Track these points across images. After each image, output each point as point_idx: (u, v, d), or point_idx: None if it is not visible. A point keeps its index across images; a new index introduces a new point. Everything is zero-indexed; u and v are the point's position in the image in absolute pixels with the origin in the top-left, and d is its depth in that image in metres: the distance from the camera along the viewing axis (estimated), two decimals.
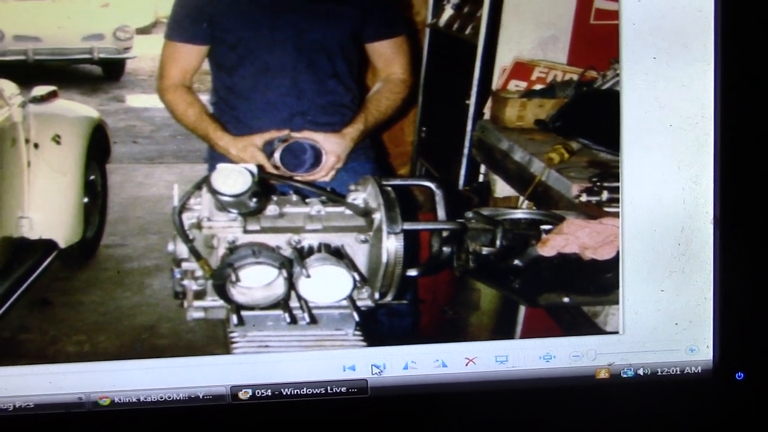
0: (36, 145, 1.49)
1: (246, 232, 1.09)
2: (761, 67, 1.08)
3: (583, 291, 1.19)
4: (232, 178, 1.02)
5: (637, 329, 1.12)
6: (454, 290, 1.48)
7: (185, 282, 1.11)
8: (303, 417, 1.12)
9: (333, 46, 1.38)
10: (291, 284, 1.05)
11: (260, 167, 1.09)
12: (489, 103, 1.66)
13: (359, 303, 1.10)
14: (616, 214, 1.11)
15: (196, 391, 1.10)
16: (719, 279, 1.11)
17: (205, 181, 1.06)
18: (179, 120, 1.40)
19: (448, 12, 1.83)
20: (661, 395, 1.14)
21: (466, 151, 1.69)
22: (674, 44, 1.06)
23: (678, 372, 1.14)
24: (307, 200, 1.16)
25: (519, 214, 1.28)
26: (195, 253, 1.08)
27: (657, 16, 1.06)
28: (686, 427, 1.16)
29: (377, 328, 1.31)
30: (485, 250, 1.19)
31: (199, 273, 1.10)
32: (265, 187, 1.11)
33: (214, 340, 1.19)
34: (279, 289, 1.05)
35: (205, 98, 1.42)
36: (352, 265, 1.07)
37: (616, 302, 1.12)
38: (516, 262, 1.20)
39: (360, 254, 1.12)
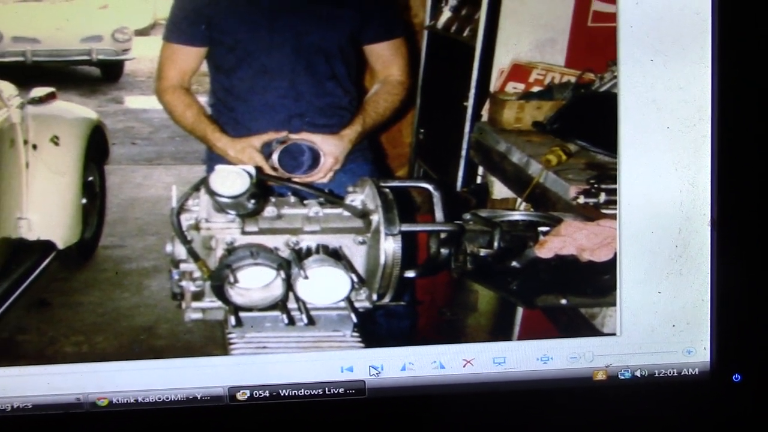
0: (34, 146, 1.49)
1: (244, 233, 1.09)
2: (758, 69, 1.08)
3: (581, 293, 1.19)
4: (231, 180, 1.02)
5: (634, 331, 1.12)
6: (452, 292, 1.48)
7: (183, 283, 1.11)
8: (301, 418, 1.12)
9: (331, 49, 1.39)
10: (289, 285, 1.05)
11: (258, 169, 1.09)
12: (487, 105, 1.66)
13: (357, 304, 1.10)
14: (613, 216, 1.12)
15: (194, 392, 1.10)
16: (716, 281, 1.11)
17: (203, 183, 1.06)
18: (177, 121, 1.40)
19: (446, 14, 1.83)
20: (659, 397, 1.14)
21: (464, 152, 1.69)
22: (672, 46, 1.07)
23: (675, 374, 1.14)
24: (305, 202, 1.16)
25: (517, 215, 1.28)
26: (193, 255, 1.08)
27: (654, 19, 1.06)
28: (683, 428, 1.17)
29: (375, 329, 1.31)
30: (483, 252, 1.19)
31: (197, 274, 1.10)
32: (263, 189, 1.10)
33: (212, 341, 1.19)
34: (277, 290, 1.05)
35: (203, 100, 1.42)
36: (350, 267, 1.07)
37: (614, 304, 1.12)
38: (513, 263, 1.21)
39: (358, 255, 1.12)
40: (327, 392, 1.11)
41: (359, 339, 1.12)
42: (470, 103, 1.68)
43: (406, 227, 1.07)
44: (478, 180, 1.69)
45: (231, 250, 1.07)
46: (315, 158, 1.35)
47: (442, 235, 1.17)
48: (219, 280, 1.04)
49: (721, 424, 1.16)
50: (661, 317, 1.12)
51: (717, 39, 1.06)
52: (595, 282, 1.17)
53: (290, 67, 1.37)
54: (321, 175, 1.37)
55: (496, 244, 1.18)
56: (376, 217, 1.08)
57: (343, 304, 1.08)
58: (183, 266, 1.10)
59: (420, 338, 1.53)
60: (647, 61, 1.07)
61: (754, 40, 1.07)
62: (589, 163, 1.39)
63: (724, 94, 1.07)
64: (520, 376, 1.13)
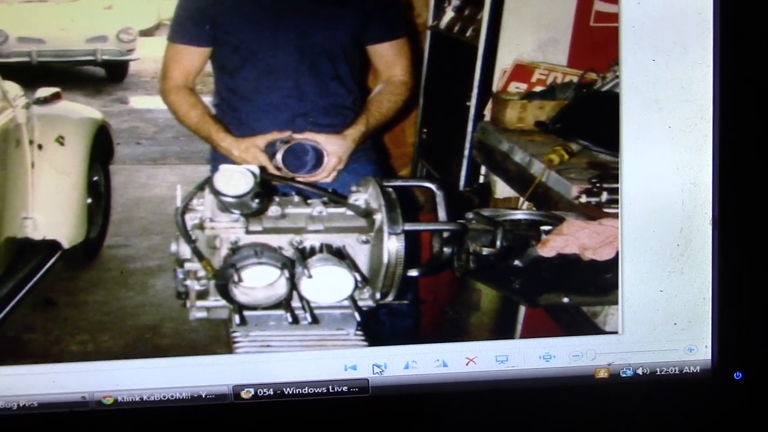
0: (40, 146, 1.50)
1: (248, 232, 1.09)
2: (760, 69, 1.08)
3: (583, 291, 1.19)
4: (235, 179, 1.02)
5: (636, 329, 1.13)
6: (455, 290, 1.49)
7: (188, 282, 1.11)
8: (304, 416, 1.12)
9: (335, 49, 1.39)
10: (293, 284, 1.05)
11: (262, 168, 1.09)
12: (489, 105, 1.66)
13: (360, 303, 1.10)
14: (615, 215, 1.12)
15: (198, 390, 1.10)
16: (718, 279, 1.11)
17: (207, 182, 1.06)
18: (182, 121, 1.40)
19: (448, 14, 1.84)
20: (660, 395, 1.14)
21: (466, 152, 1.69)
22: (673, 46, 1.07)
23: (677, 372, 1.14)
24: (309, 201, 1.16)
25: (519, 215, 1.28)
26: (198, 254, 1.08)
27: (656, 19, 1.06)
28: (685, 426, 1.17)
29: (378, 328, 1.32)
30: (486, 251, 1.19)
31: (201, 273, 1.10)
32: (267, 188, 1.10)
33: (216, 339, 1.19)
34: (281, 289, 1.05)
35: (207, 100, 1.42)
36: (353, 266, 1.07)
37: (616, 302, 1.12)
38: (516, 262, 1.21)
39: (361, 255, 1.12)
40: (330, 390, 1.11)
41: (363, 338, 1.12)
42: (473, 103, 1.68)
43: (409, 226, 1.07)
44: (481, 179, 1.69)
45: (235, 249, 1.07)
46: (318, 158, 1.36)
47: (445, 234, 1.17)
48: (223, 279, 1.04)
49: (722, 421, 1.16)
50: (662, 315, 1.12)
51: (719, 39, 1.06)
52: (597, 281, 1.17)
53: (294, 67, 1.37)
54: (324, 175, 1.37)
55: (498, 243, 1.18)
56: (380, 217, 1.08)
57: (346, 302, 1.08)
58: (187, 265, 1.11)
59: (423, 337, 1.54)
60: (649, 60, 1.07)
61: (756, 40, 1.07)
62: (591, 163, 1.39)
63: (726, 94, 1.07)
64: (523, 375, 1.13)
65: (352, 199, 1.15)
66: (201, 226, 1.10)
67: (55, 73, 1.74)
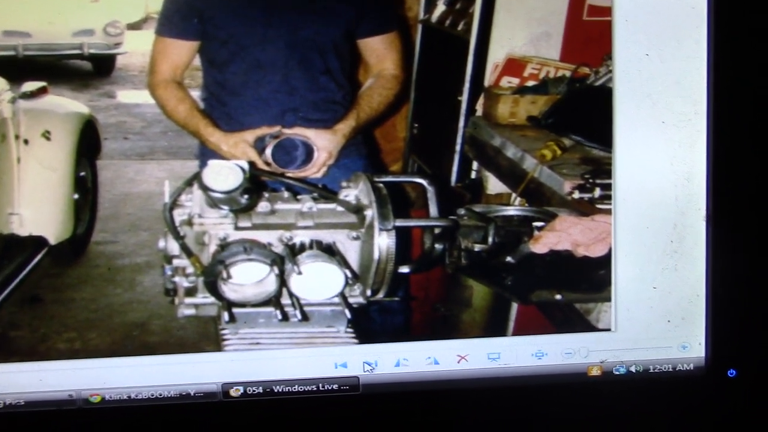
0: (26, 141, 1.48)
1: (237, 228, 1.09)
2: (754, 63, 1.08)
3: (576, 288, 1.19)
4: (223, 175, 1.02)
5: (629, 326, 1.12)
6: (446, 287, 1.48)
7: (176, 279, 1.11)
8: (294, 414, 1.12)
9: (326, 43, 1.38)
10: (282, 281, 1.05)
11: (251, 164, 1.09)
12: (481, 100, 1.66)
13: (351, 300, 1.10)
14: (608, 211, 1.11)
15: (187, 388, 1.09)
16: (711, 276, 1.11)
17: (196, 178, 1.06)
18: (170, 116, 1.39)
19: (440, 8, 1.83)
20: (654, 392, 1.14)
21: (458, 147, 1.69)
22: (667, 41, 1.06)
23: (670, 369, 1.14)
24: (299, 197, 1.15)
25: (511, 211, 1.28)
26: (186, 250, 1.08)
27: (650, 13, 1.06)
28: (678, 424, 1.17)
29: (369, 325, 1.31)
30: (477, 247, 1.19)
31: (190, 270, 1.09)
32: (256, 184, 1.10)
33: (205, 337, 1.19)
34: (270, 286, 1.05)
35: (196, 94, 1.41)
36: (343, 262, 1.07)
37: (609, 299, 1.12)
38: (508, 259, 1.20)
39: (352, 251, 1.11)
40: (321, 388, 1.11)
41: (353, 335, 1.11)
42: (464, 98, 1.68)
43: (400, 222, 1.06)
44: (473, 175, 1.69)
45: (224, 245, 1.06)
46: (308, 153, 1.35)
47: (437, 231, 1.17)
48: (212, 276, 1.03)
49: (716, 419, 1.16)
50: (656, 312, 1.12)
51: (712, 33, 1.06)
52: (590, 277, 1.17)
53: (284, 61, 1.36)
54: (314, 170, 1.36)
55: (490, 239, 1.18)
56: (370, 213, 1.08)
57: (336, 299, 1.07)
58: (176, 262, 1.10)
59: (414, 334, 1.53)
60: (642, 55, 1.07)
61: (750, 35, 1.07)
62: (583, 158, 1.39)
63: (720, 89, 1.07)
64: (515, 372, 1.13)
65: (342, 195, 1.15)
66: (189, 222, 1.09)
67: (42, 67, 1.72)
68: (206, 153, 1.38)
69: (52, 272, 1.55)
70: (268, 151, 1.33)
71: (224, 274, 1.03)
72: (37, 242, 1.48)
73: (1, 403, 1.07)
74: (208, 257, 1.07)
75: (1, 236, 1.44)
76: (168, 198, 1.09)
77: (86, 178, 1.63)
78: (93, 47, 1.81)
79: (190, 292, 1.10)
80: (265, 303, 1.07)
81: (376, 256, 1.06)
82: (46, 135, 1.50)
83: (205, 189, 1.02)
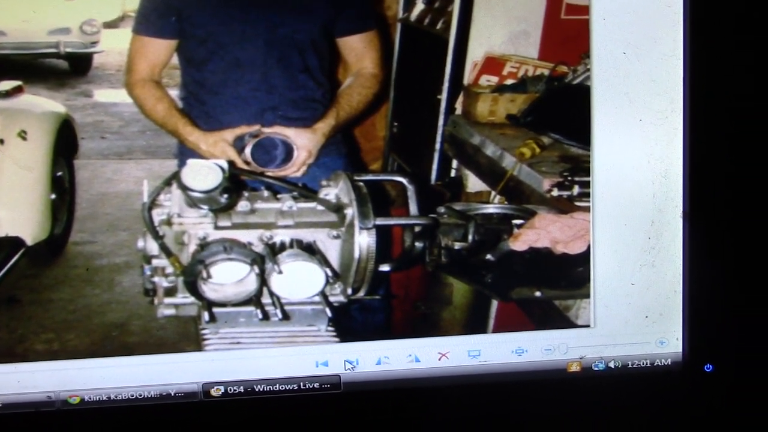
0: (1, 141, 1.46)
1: (217, 228, 1.08)
2: (730, 61, 1.09)
3: (555, 285, 1.20)
4: (203, 174, 1.01)
5: (608, 322, 1.13)
6: (427, 285, 1.48)
7: (156, 279, 1.10)
8: (276, 413, 1.12)
9: (304, 41, 1.38)
10: (263, 280, 1.04)
11: (231, 163, 1.08)
12: (460, 98, 1.66)
13: (332, 299, 1.10)
14: (587, 209, 1.12)
15: (167, 388, 1.09)
16: (688, 272, 1.12)
17: (174, 177, 1.05)
18: (148, 115, 1.38)
19: (419, 7, 1.83)
20: (632, 388, 1.15)
21: (437, 146, 1.69)
22: (644, 39, 1.07)
23: (648, 365, 1.15)
24: (279, 196, 1.15)
25: (491, 208, 1.28)
26: (165, 250, 1.07)
27: (627, 12, 1.07)
28: (656, 418, 1.18)
29: (350, 323, 1.31)
30: (457, 245, 1.19)
31: (169, 270, 1.09)
32: (236, 183, 1.10)
33: (185, 337, 1.18)
34: (251, 285, 1.04)
35: (174, 93, 1.40)
36: (324, 261, 1.07)
37: (588, 296, 1.13)
38: (488, 256, 1.21)
39: (332, 250, 1.11)
40: (302, 387, 1.11)
41: (334, 333, 1.11)
42: (444, 96, 1.68)
43: (380, 221, 1.06)
44: (453, 173, 1.69)
45: (204, 245, 1.06)
46: (288, 152, 1.35)
47: (417, 229, 1.17)
48: (192, 276, 1.03)
49: (693, 413, 1.17)
50: (634, 309, 1.13)
51: (688, 31, 1.07)
52: (569, 274, 1.17)
53: (262, 59, 1.36)
54: (294, 169, 1.36)
55: (470, 237, 1.19)
56: (351, 211, 1.08)
57: (317, 298, 1.07)
58: (155, 262, 1.09)
59: (395, 332, 1.53)
60: (620, 53, 1.08)
61: (726, 33, 1.08)
62: (562, 156, 1.39)
63: (696, 87, 1.08)
64: (495, 369, 1.13)
65: (322, 194, 1.15)
66: (168, 222, 1.09)
67: (17, 66, 1.70)
68: (185, 152, 1.37)
69: (29, 273, 1.53)
70: (248, 150, 1.33)
71: (204, 274, 1.02)
72: (13, 243, 1.46)
73: None
74: (188, 257, 1.06)
75: None
76: (147, 197, 1.08)
77: (63, 178, 1.62)
78: (69, 46, 1.79)
79: (170, 292, 1.10)
80: (245, 302, 1.06)
81: (356, 254, 1.06)
82: (22, 135, 1.49)
83: (184, 188, 1.02)
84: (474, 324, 1.45)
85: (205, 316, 1.04)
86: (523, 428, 1.18)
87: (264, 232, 1.09)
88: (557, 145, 1.42)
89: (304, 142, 1.35)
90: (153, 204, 1.08)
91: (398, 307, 1.47)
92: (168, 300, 1.09)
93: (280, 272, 1.03)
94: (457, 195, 1.64)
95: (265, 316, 1.05)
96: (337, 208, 1.12)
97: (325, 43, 1.41)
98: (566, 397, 1.15)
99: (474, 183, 1.61)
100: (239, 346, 1.09)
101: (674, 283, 1.13)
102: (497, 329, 1.35)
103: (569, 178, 1.28)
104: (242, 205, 1.11)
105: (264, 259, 1.05)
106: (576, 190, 1.26)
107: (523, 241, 1.19)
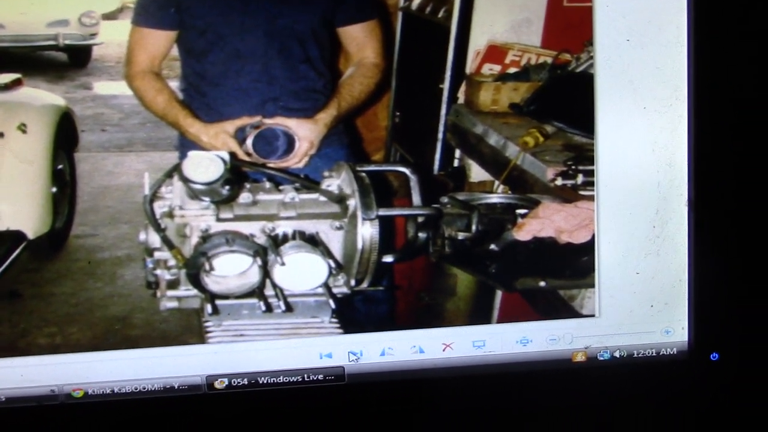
0: (1, 135, 1.46)
1: (219, 220, 1.08)
2: (734, 48, 1.08)
3: (559, 275, 1.19)
4: (204, 166, 1.01)
5: (613, 312, 1.13)
6: (430, 276, 1.48)
7: (158, 272, 1.10)
8: (280, 405, 1.12)
9: (305, 31, 1.37)
10: (266, 272, 1.04)
11: (232, 154, 1.08)
12: (463, 87, 1.65)
13: (335, 290, 1.10)
14: (591, 198, 1.12)
15: (171, 381, 1.09)
16: (694, 261, 1.12)
17: (176, 169, 1.05)
18: (148, 107, 1.38)
19: None
20: (637, 377, 1.15)
21: (440, 135, 1.68)
22: (648, 26, 1.07)
23: (654, 354, 1.15)
24: (281, 187, 1.15)
25: (494, 198, 1.28)
26: (167, 243, 1.07)
27: None
28: (662, 407, 1.18)
29: (353, 315, 1.31)
30: (461, 235, 1.19)
31: (171, 262, 1.08)
32: (237, 175, 1.09)
33: (188, 329, 1.18)
34: (253, 277, 1.04)
35: (174, 85, 1.40)
36: (327, 252, 1.06)
37: (592, 285, 1.13)
38: (492, 246, 1.20)
39: (335, 241, 1.11)
40: (306, 379, 1.10)
41: (338, 325, 1.11)
42: (446, 86, 1.67)
43: (383, 212, 1.06)
44: (455, 163, 1.68)
45: (206, 237, 1.06)
46: (290, 143, 1.34)
47: (420, 219, 1.17)
48: (194, 268, 1.02)
49: (699, 402, 1.17)
50: (639, 298, 1.13)
51: (693, 18, 1.06)
52: (573, 264, 1.17)
53: (263, 50, 1.35)
54: (296, 160, 1.35)
55: (474, 227, 1.18)
56: (353, 202, 1.08)
57: (320, 290, 1.07)
58: (157, 254, 1.09)
59: (399, 323, 1.53)
60: (623, 41, 1.07)
61: (730, 20, 1.08)
62: (566, 145, 1.39)
63: (700, 74, 1.08)
64: (500, 359, 1.13)
65: (324, 185, 1.14)
66: (170, 215, 1.08)
67: (16, 58, 1.69)
68: (186, 144, 1.36)
69: (30, 267, 1.53)
70: (249, 142, 1.32)
71: (206, 266, 1.02)
72: (15, 237, 1.46)
73: None
74: (190, 249, 1.06)
75: None
76: (148, 190, 1.08)
77: (64, 171, 1.61)
78: (68, 38, 1.79)
79: (172, 284, 1.10)
80: (248, 294, 1.06)
81: (359, 245, 1.05)
82: (22, 128, 1.48)
83: (185, 180, 1.01)
84: (478, 314, 1.45)
85: (208, 308, 1.04)
86: (528, 418, 1.18)
87: (266, 224, 1.09)
88: (561, 134, 1.42)
89: (306, 133, 1.35)
90: (154, 196, 1.08)
91: (402, 298, 1.47)
92: (170, 293, 1.09)
93: (283, 264, 1.02)
94: (460, 185, 1.64)
95: (268, 308, 1.05)
96: (340, 199, 1.12)
97: (326, 33, 1.40)
98: (571, 387, 1.15)
99: (477, 173, 1.61)
100: (243, 338, 1.09)
101: (679, 271, 1.12)
102: (502, 319, 1.35)
103: (573, 167, 1.28)
104: (244, 196, 1.11)
105: (266, 250, 1.04)
106: (580, 179, 1.26)
107: (527, 230, 1.18)
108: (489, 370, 1.13)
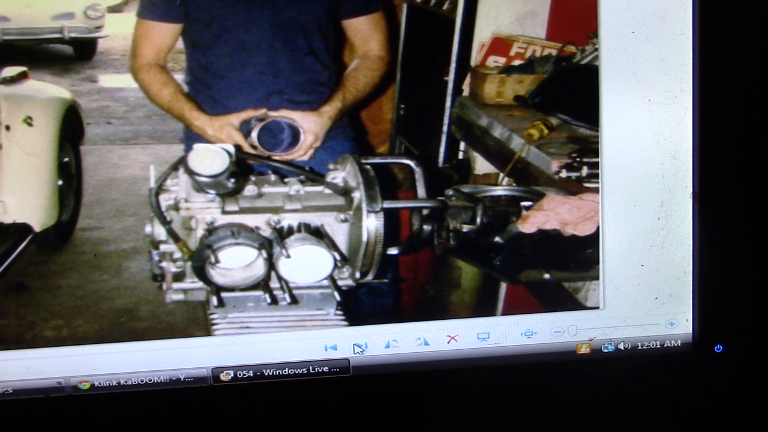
0: (7, 128, 1.46)
1: (224, 212, 1.08)
2: (739, 39, 1.08)
3: (564, 267, 1.19)
4: (209, 159, 1.01)
5: (617, 304, 1.13)
6: (435, 268, 1.48)
7: (164, 264, 1.10)
8: (285, 397, 1.12)
9: (310, 24, 1.37)
10: (271, 265, 1.04)
11: (237, 147, 1.08)
12: (468, 80, 1.65)
13: (340, 282, 1.10)
14: (595, 190, 1.12)
15: (177, 373, 1.09)
16: (698, 253, 1.12)
17: (181, 162, 1.05)
18: (154, 100, 1.38)
19: None
20: (642, 369, 1.15)
21: (445, 128, 1.68)
22: (652, 18, 1.06)
23: (658, 346, 1.15)
24: (286, 180, 1.15)
25: (499, 191, 1.28)
26: (173, 235, 1.07)
27: None
28: (667, 399, 1.18)
29: (358, 307, 1.31)
30: (466, 228, 1.19)
31: (177, 255, 1.09)
32: (242, 167, 1.09)
33: (194, 322, 1.19)
34: (259, 269, 1.04)
35: (179, 78, 1.40)
36: (332, 245, 1.07)
37: (597, 278, 1.13)
38: (496, 239, 1.20)
39: (340, 233, 1.11)
40: (311, 371, 1.11)
41: (343, 317, 1.11)
42: (451, 78, 1.67)
43: (388, 204, 1.06)
44: (460, 155, 1.68)
45: (211, 230, 1.06)
46: (295, 135, 1.34)
47: (425, 212, 1.16)
48: (200, 261, 1.03)
49: (703, 394, 1.17)
50: (643, 290, 1.13)
51: (697, 9, 1.06)
52: (578, 256, 1.17)
53: (268, 43, 1.35)
54: (301, 153, 1.35)
55: (478, 219, 1.18)
56: (358, 195, 1.08)
57: (325, 282, 1.07)
58: (163, 247, 1.09)
59: (404, 315, 1.53)
60: (628, 32, 1.07)
61: (735, 11, 1.07)
62: (571, 137, 1.39)
63: (705, 67, 1.07)
64: (504, 352, 1.13)
65: (329, 177, 1.14)
66: (176, 207, 1.08)
67: (21, 51, 1.69)
68: (191, 137, 1.36)
69: (37, 259, 1.53)
70: (254, 134, 1.32)
71: (212, 259, 1.02)
72: (21, 229, 1.46)
73: None
74: (196, 242, 1.06)
75: None
76: (154, 183, 1.08)
77: (70, 164, 1.62)
78: (73, 31, 1.79)
79: (178, 277, 1.10)
80: (253, 287, 1.06)
81: (364, 238, 1.06)
82: (28, 121, 1.49)
83: (191, 173, 1.01)
84: (483, 307, 1.45)
85: (214, 300, 1.04)
86: (532, 410, 1.18)
87: (271, 217, 1.09)
88: (565, 126, 1.42)
89: (311, 126, 1.35)
90: (160, 189, 1.08)
91: (407, 291, 1.47)
92: (176, 285, 1.09)
93: (288, 256, 1.03)
94: (464, 177, 1.63)
95: (274, 301, 1.05)
96: (345, 192, 1.12)
97: (331, 25, 1.40)
98: (576, 379, 1.15)
99: (482, 165, 1.60)
100: (248, 330, 1.09)
101: (684, 263, 1.12)
102: (506, 312, 1.35)
103: (578, 159, 1.28)
104: (249, 189, 1.11)
105: (272, 243, 1.05)
106: (585, 171, 1.26)
107: (531, 223, 1.18)
108: (493, 362, 1.13)
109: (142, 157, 1.78)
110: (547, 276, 1.20)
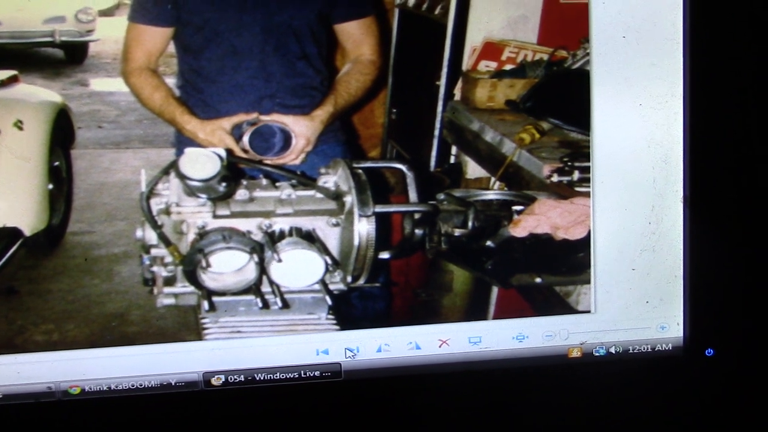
0: None
1: (216, 217, 1.08)
2: (730, 45, 1.08)
3: (555, 271, 1.20)
4: (201, 163, 1.01)
5: (608, 308, 1.13)
6: (427, 272, 1.48)
7: (155, 268, 1.10)
8: (277, 402, 1.12)
9: (302, 28, 1.37)
10: (262, 269, 1.04)
11: (229, 151, 1.08)
12: (459, 84, 1.65)
13: (332, 287, 1.10)
14: (587, 194, 1.12)
15: (168, 378, 1.09)
16: (689, 257, 1.12)
17: (172, 166, 1.05)
18: (145, 104, 1.38)
19: None
20: (633, 373, 1.15)
21: (437, 132, 1.68)
22: (644, 23, 1.07)
23: (649, 349, 1.15)
24: (278, 184, 1.15)
25: (491, 195, 1.28)
26: (164, 239, 1.07)
27: None
28: (658, 403, 1.18)
29: (350, 311, 1.31)
30: (457, 232, 1.19)
31: (168, 259, 1.08)
32: (234, 171, 1.09)
33: (185, 326, 1.18)
34: (250, 274, 1.04)
35: (171, 82, 1.40)
36: (323, 249, 1.06)
37: (588, 282, 1.13)
38: (488, 243, 1.21)
39: (332, 238, 1.11)
40: (303, 375, 1.11)
41: (334, 321, 1.11)
42: (443, 82, 1.67)
43: (379, 208, 1.06)
44: (452, 160, 1.68)
45: (203, 234, 1.06)
46: (286, 140, 1.34)
47: (417, 216, 1.17)
48: (191, 265, 1.02)
49: (694, 397, 1.17)
50: (635, 294, 1.13)
51: (689, 15, 1.06)
52: (569, 260, 1.17)
53: (260, 47, 1.35)
54: (293, 157, 1.35)
55: (470, 223, 1.18)
56: (350, 199, 1.08)
57: (317, 286, 1.07)
58: (154, 251, 1.09)
59: (395, 320, 1.53)
60: (619, 37, 1.07)
61: (726, 16, 1.08)
62: (562, 141, 1.39)
63: (696, 71, 1.08)
64: (496, 355, 1.13)
65: (321, 182, 1.14)
66: (167, 211, 1.08)
67: (12, 55, 1.69)
68: (183, 141, 1.36)
69: (27, 264, 1.52)
70: (246, 138, 1.32)
71: (203, 263, 1.02)
72: (11, 233, 1.46)
73: None
74: (187, 246, 1.06)
75: None
76: (144, 187, 1.08)
77: (60, 168, 1.61)
78: (64, 34, 1.78)
79: (169, 281, 1.10)
80: (245, 291, 1.06)
81: (356, 242, 1.05)
82: (19, 125, 1.48)
83: (182, 177, 1.01)
84: (474, 311, 1.44)
85: (205, 305, 1.04)
86: (524, 414, 1.18)
87: (263, 221, 1.09)
88: (557, 131, 1.42)
89: (303, 130, 1.35)
90: (151, 193, 1.08)
91: (398, 295, 1.47)
92: (167, 289, 1.09)
93: (280, 261, 1.03)
94: (456, 181, 1.63)
95: (265, 305, 1.05)
96: (336, 196, 1.12)
97: (323, 29, 1.40)
98: (567, 382, 1.16)
99: (473, 169, 1.60)
100: (239, 335, 1.09)
101: (675, 267, 1.13)
102: (498, 316, 1.35)
103: (569, 163, 1.28)
104: (241, 193, 1.10)
105: (263, 247, 1.05)
106: (576, 175, 1.26)
107: (523, 227, 1.19)
108: (485, 366, 1.13)
109: (134, 161, 1.78)
110: (538, 280, 1.20)
